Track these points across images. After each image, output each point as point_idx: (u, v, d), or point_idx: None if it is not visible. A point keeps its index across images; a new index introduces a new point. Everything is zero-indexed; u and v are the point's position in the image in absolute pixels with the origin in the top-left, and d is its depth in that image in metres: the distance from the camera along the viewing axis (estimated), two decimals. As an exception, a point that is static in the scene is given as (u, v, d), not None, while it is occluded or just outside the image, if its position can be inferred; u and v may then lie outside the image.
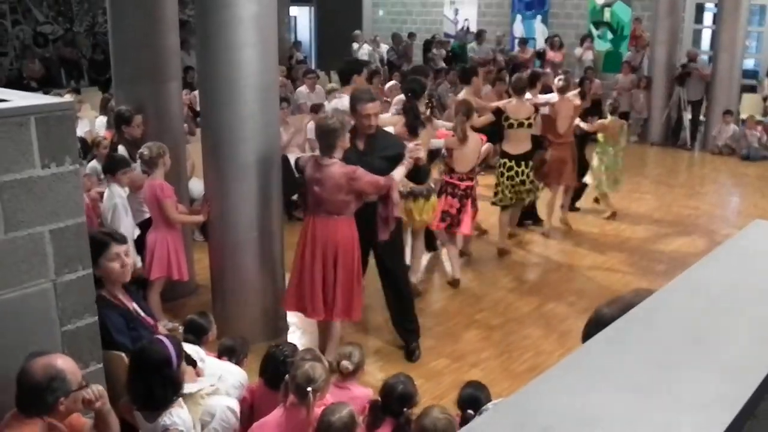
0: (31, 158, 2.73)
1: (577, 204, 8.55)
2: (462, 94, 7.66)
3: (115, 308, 3.37)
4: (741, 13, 11.88)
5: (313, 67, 15.15)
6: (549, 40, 14.19)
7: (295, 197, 7.97)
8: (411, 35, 15.92)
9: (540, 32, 15.29)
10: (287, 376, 3.21)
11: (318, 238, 4.64)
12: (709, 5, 13.89)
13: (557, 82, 7.81)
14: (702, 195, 9.78)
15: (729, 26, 11.93)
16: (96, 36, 14.05)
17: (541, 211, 7.98)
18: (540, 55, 14.15)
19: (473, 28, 15.99)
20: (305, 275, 4.69)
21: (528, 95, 7.26)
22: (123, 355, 3.22)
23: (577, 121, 7.79)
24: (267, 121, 5.05)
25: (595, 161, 8.28)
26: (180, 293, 5.84)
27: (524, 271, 7.05)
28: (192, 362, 3.23)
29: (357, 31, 15.47)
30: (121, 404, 3.10)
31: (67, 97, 6.47)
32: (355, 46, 14.83)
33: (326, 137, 4.56)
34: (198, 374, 3.25)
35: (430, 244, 6.93)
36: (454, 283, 6.43)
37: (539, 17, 15.41)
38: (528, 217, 8.00)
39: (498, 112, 7.09)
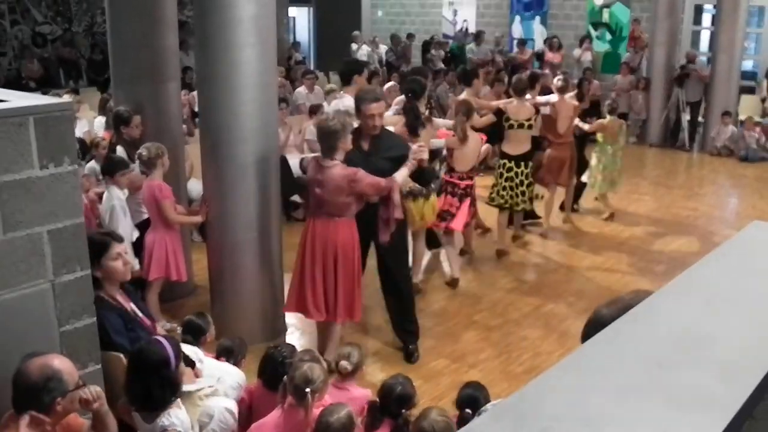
0: (30, 159, 2.72)
1: (576, 205, 8.55)
2: (463, 96, 7.67)
3: (113, 309, 3.37)
4: (739, 14, 11.89)
5: (311, 67, 15.15)
6: (548, 41, 14.20)
7: (293, 198, 8.01)
8: (410, 36, 15.92)
9: (539, 33, 15.30)
10: (286, 377, 3.21)
11: (318, 239, 4.64)
12: (708, 6, 13.91)
13: (556, 82, 7.83)
14: (700, 196, 9.79)
15: (728, 27, 11.94)
16: (95, 36, 14.04)
17: (540, 210, 7.99)
18: (539, 56, 14.15)
19: (472, 29, 16.01)
20: (306, 277, 4.70)
21: (527, 96, 7.28)
22: (121, 355, 3.21)
23: (577, 121, 7.80)
24: (266, 122, 5.04)
25: (593, 160, 8.29)
26: (178, 294, 5.84)
27: (523, 271, 7.05)
28: (190, 363, 3.22)
29: (356, 32, 15.47)
30: (120, 405, 3.10)
31: (66, 98, 6.48)
32: (354, 46, 14.83)
33: (327, 139, 4.56)
34: (196, 375, 3.25)
35: (432, 243, 6.92)
36: (452, 283, 6.43)
37: (538, 18, 15.42)
38: (526, 216, 8.00)
39: (499, 113, 7.10)
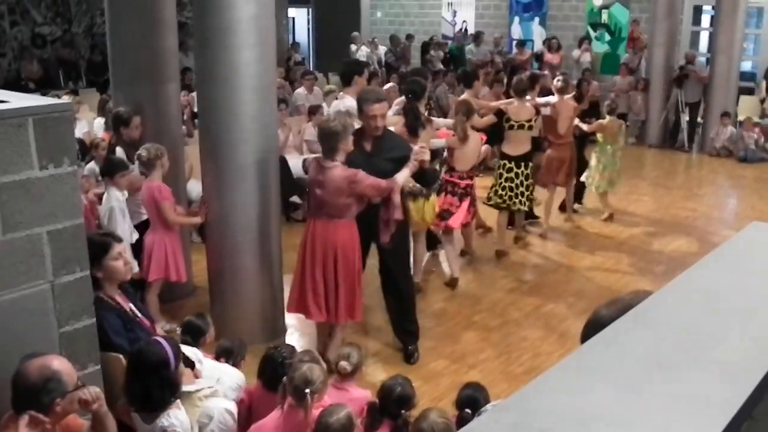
0: (29, 159, 2.73)
1: (576, 206, 8.55)
2: (463, 97, 7.67)
3: (112, 310, 3.37)
4: (738, 15, 11.91)
5: (311, 68, 15.16)
6: (547, 42, 14.20)
7: (293, 199, 8.01)
8: (409, 37, 15.93)
9: (538, 34, 15.31)
10: (285, 377, 3.21)
11: (319, 240, 4.64)
12: (707, 7, 13.92)
13: (556, 83, 7.85)
14: (700, 197, 9.80)
15: (726, 28, 11.95)
16: (94, 37, 14.03)
17: (539, 211, 7.99)
18: (538, 57, 14.16)
19: (471, 30, 16.01)
20: (307, 277, 4.69)
21: (528, 97, 7.28)
22: (121, 356, 3.21)
23: (577, 121, 7.81)
24: (265, 123, 5.04)
25: (593, 160, 8.30)
26: (178, 295, 5.84)
27: (523, 272, 7.05)
28: (190, 364, 3.22)
29: (355, 33, 15.48)
30: (119, 406, 3.09)
31: (65, 99, 6.49)
32: (353, 47, 14.84)
33: (328, 140, 4.56)
34: (196, 376, 3.25)
35: (432, 243, 6.92)
36: (452, 283, 6.43)
37: (537, 19, 15.43)
38: (526, 216, 8.00)
39: (499, 113, 7.10)
